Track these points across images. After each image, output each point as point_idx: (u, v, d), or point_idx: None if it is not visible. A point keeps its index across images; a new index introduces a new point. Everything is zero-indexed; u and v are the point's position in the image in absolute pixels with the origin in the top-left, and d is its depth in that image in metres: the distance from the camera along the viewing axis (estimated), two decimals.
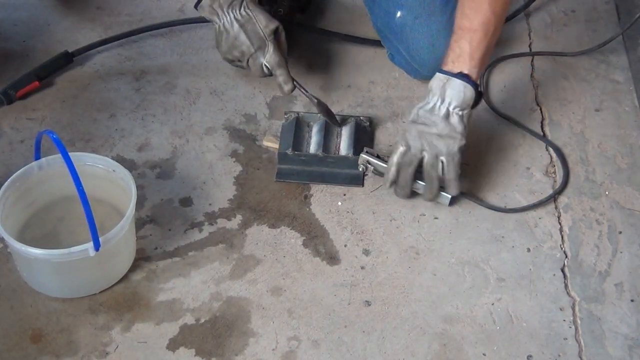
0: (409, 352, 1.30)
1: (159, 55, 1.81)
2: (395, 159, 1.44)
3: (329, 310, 1.36)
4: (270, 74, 1.60)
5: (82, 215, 1.25)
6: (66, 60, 1.77)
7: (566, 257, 1.43)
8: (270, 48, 1.57)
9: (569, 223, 1.47)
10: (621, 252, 1.43)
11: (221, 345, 1.32)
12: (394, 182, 1.46)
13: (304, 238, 1.47)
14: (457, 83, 1.42)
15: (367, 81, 1.76)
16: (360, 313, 1.36)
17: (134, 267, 1.42)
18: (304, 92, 1.61)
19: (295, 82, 1.60)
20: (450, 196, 1.47)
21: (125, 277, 1.41)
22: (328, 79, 1.77)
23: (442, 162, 1.43)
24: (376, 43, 1.81)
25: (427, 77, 1.71)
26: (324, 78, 1.78)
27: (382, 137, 1.64)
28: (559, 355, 1.29)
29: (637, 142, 1.61)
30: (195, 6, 1.60)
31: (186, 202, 1.53)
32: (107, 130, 1.66)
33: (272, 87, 1.74)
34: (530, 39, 1.85)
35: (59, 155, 1.26)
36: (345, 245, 1.46)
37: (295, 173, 1.56)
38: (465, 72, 1.42)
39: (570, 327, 1.33)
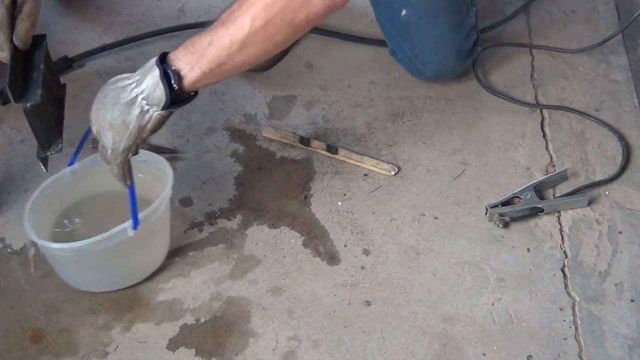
0: (409, 352, 1.30)
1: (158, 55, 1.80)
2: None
3: (329, 310, 1.36)
4: None
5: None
6: (65, 64, 1.77)
7: (566, 257, 1.43)
8: None
9: (569, 223, 1.47)
10: (621, 252, 1.43)
11: (221, 345, 1.32)
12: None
13: (304, 238, 1.47)
14: (155, 76, 1.19)
15: (367, 81, 1.76)
16: (360, 313, 1.36)
17: None
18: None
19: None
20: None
21: None
22: (328, 79, 1.77)
23: (108, 155, 1.25)
24: (376, 43, 1.82)
25: (429, 78, 1.72)
26: (324, 78, 1.78)
27: (382, 137, 1.64)
28: (559, 355, 1.29)
29: (637, 142, 1.61)
30: None
31: (186, 202, 1.53)
32: None
33: (272, 87, 1.75)
34: (530, 38, 1.85)
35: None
36: (345, 245, 1.46)
37: None
38: (182, 71, 1.20)
39: (570, 327, 1.33)
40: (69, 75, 1.78)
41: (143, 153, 1.40)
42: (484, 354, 1.30)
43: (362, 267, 1.42)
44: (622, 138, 1.61)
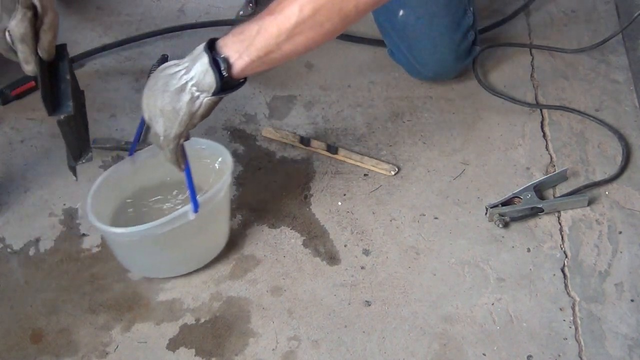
0: (409, 352, 1.30)
1: (158, 55, 1.80)
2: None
3: (329, 310, 1.36)
4: (14, 50, 1.26)
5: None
6: None
7: (566, 257, 1.42)
8: (19, 16, 1.22)
9: (569, 223, 1.47)
10: (621, 252, 1.43)
11: (221, 345, 1.32)
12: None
13: (304, 238, 1.47)
14: (205, 62, 1.19)
15: (367, 81, 1.76)
16: (360, 313, 1.36)
17: None
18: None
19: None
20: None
21: (125, 277, 1.41)
22: (328, 79, 1.77)
23: (160, 142, 1.26)
24: (376, 43, 1.82)
25: (428, 78, 1.72)
26: (324, 78, 1.78)
27: (382, 137, 1.64)
28: (559, 355, 1.29)
29: (637, 142, 1.61)
30: None
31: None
32: (107, 130, 1.66)
33: (272, 87, 1.75)
34: (530, 38, 1.85)
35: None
36: (345, 245, 1.46)
37: None
38: (231, 59, 1.19)
39: (570, 327, 1.33)
40: None
41: (201, 141, 1.41)
42: (484, 354, 1.30)
43: (362, 267, 1.42)
44: (622, 138, 1.61)
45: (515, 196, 1.48)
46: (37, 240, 1.47)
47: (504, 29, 1.88)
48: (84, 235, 1.48)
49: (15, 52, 1.25)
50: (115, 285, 1.40)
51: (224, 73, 1.19)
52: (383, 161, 1.59)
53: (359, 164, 1.59)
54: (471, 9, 1.68)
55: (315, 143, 1.62)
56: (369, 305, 1.37)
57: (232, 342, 1.32)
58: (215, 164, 1.41)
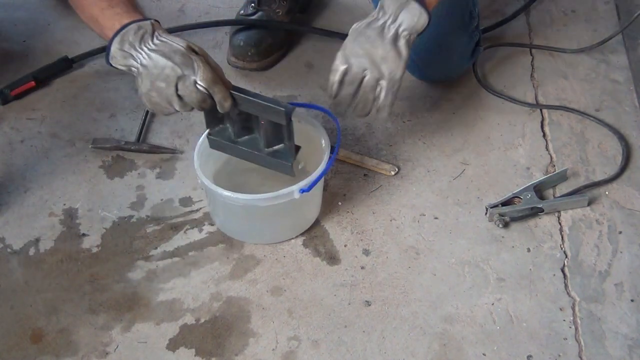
0: (409, 352, 1.30)
1: None
2: (336, 77, 1.39)
3: (329, 310, 1.36)
4: (210, 96, 1.32)
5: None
6: (65, 64, 1.77)
7: (566, 257, 1.42)
8: (200, 63, 1.31)
9: (569, 223, 1.47)
10: (621, 252, 1.43)
11: (221, 345, 1.32)
12: (334, 100, 1.41)
13: (304, 238, 1.47)
14: (415, 7, 1.36)
15: None
16: (360, 313, 1.36)
17: (134, 267, 1.42)
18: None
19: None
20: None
21: (125, 277, 1.41)
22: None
23: (381, 85, 1.37)
24: None
25: (431, 78, 1.72)
26: (323, 78, 1.77)
27: (382, 137, 1.64)
28: (559, 355, 1.29)
29: (637, 142, 1.61)
30: (107, 61, 1.35)
31: (186, 202, 1.53)
32: (107, 130, 1.66)
33: (272, 87, 1.74)
34: (530, 38, 1.85)
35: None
36: (345, 245, 1.46)
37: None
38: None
39: (570, 327, 1.33)
40: (69, 75, 1.78)
41: (310, 119, 1.48)
42: (484, 354, 1.30)
43: (362, 267, 1.42)
44: (622, 138, 1.61)
45: (515, 196, 1.48)
46: (37, 240, 1.47)
47: (504, 29, 1.88)
48: (84, 235, 1.48)
49: (210, 98, 1.32)
50: (115, 285, 1.40)
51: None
52: (383, 161, 1.59)
53: (359, 164, 1.59)
54: (476, 10, 1.67)
55: None
56: (369, 305, 1.37)
57: (232, 342, 1.32)
58: (321, 141, 1.45)
